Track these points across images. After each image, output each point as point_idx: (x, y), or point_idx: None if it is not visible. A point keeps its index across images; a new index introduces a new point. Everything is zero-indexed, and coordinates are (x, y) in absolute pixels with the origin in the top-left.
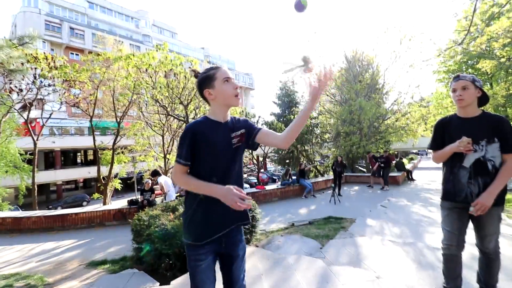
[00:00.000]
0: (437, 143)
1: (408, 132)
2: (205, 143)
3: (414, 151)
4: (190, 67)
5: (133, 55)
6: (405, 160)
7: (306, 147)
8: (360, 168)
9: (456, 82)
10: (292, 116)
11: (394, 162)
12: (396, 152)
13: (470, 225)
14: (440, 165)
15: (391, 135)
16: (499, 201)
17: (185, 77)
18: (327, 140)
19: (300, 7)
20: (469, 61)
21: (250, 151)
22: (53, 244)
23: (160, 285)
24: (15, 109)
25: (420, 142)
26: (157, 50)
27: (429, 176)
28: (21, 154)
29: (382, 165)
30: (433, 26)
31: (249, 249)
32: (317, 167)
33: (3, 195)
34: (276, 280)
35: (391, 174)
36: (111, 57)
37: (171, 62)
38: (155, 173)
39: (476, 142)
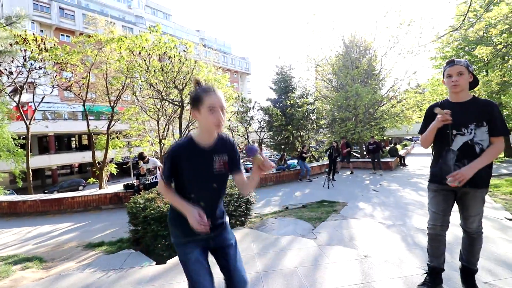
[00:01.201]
0: (427, 128)
1: (402, 118)
2: (185, 166)
3: (408, 137)
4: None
5: (126, 37)
6: (398, 146)
7: (301, 133)
8: (354, 154)
9: (451, 67)
10: (288, 102)
11: (387, 148)
12: (390, 138)
13: (455, 207)
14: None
15: (386, 121)
16: (484, 184)
17: (180, 61)
18: (323, 126)
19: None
20: (466, 48)
21: (246, 138)
22: (50, 227)
23: (156, 264)
24: (5, 92)
25: (415, 129)
26: (150, 32)
27: (421, 162)
28: (14, 139)
29: (371, 149)
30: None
31: (243, 231)
32: (312, 152)
33: None
34: (269, 260)
35: (384, 159)
36: (102, 39)
37: (165, 45)
38: (141, 156)
39: (465, 126)
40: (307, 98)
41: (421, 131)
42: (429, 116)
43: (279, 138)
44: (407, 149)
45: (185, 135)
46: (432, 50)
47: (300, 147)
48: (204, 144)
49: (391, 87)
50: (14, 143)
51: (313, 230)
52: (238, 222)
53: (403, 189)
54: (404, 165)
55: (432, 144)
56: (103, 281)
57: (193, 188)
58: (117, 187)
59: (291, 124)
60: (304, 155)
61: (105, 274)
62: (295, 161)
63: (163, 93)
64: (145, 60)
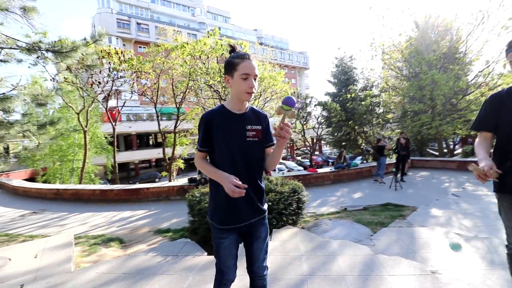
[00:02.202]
0: (487, 122)
1: None
2: (218, 132)
3: None
4: (231, 45)
5: (187, 44)
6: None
7: (365, 128)
8: (431, 151)
9: None
10: (349, 95)
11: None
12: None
13: None
14: None
15: (473, 113)
16: None
17: None
18: (391, 121)
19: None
20: None
21: (302, 135)
22: (129, 213)
23: (207, 254)
24: (97, 100)
25: None
26: (208, 37)
27: None
28: (105, 138)
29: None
30: None
31: (292, 230)
32: None
33: (95, 171)
34: (316, 263)
35: (470, 158)
36: (168, 47)
37: (222, 47)
38: None
39: None
40: (371, 90)
41: (477, 126)
42: (493, 105)
43: (339, 134)
44: None
45: None
46: None
47: (373, 142)
48: (235, 111)
49: (480, 72)
50: (106, 141)
51: (371, 236)
52: (289, 221)
53: (493, 195)
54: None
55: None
56: (162, 264)
57: (225, 158)
58: (184, 181)
59: (353, 119)
60: (383, 148)
61: (164, 259)
62: (359, 159)
63: (221, 93)
64: (204, 63)
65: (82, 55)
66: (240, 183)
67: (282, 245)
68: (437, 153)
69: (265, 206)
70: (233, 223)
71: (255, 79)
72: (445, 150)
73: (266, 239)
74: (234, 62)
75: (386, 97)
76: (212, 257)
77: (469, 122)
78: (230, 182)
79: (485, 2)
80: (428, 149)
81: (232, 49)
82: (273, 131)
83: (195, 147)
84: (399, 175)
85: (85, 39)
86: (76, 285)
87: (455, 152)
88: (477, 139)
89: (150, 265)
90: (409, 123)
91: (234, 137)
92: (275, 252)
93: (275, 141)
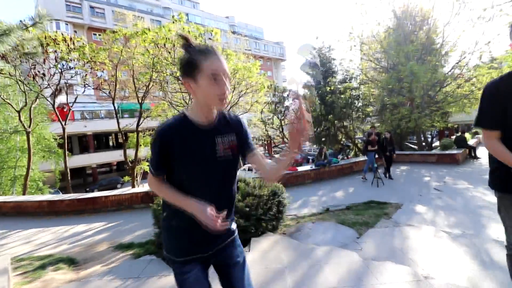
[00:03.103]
0: (493, 116)
1: (472, 101)
2: (179, 153)
3: None
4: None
5: (149, 30)
6: (467, 135)
7: (345, 123)
8: (410, 145)
9: None
10: (328, 88)
11: (452, 137)
12: (456, 126)
13: None
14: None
15: (450, 105)
16: None
17: None
18: (370, 114)
19: None
20: None
21: (281, 131)
22: (84, 227)
23: None
24: (42, 95)
25: None
26: (173, 22)
27: None
28: (55, 139)
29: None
30: None
31: (273, 238)
32: (358, 145)
33: (43, 178)
34: (301, 275)
35: (450, 151)
36: (127, 34)
37: (190, 34)
38: None
39: None
40: (350, 82)
41: (483, 122)
42: (497, 97)
43: (318, 130)
44: (478, 138)
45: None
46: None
47: (363, 137)
48: (202, 123)
49: (456, 63)
50: (55, 143)
51: (357, 238)
52: (269, 227)
53: (474, 188)
54: (475, 157)
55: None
56: None
57: (191, 184)
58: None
59: (332, 113)
60: (370, 147)
61: (123, 283)
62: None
63: None
64: (170, 53)
65: (18, 41)
66: (219, 215)
67: (263, 257)
68: (415, 147)
69: (234, 226)
70: (196, 252)
71: (227, 80)
72: (423, 143)
73: (245, 265)
74: (195, 60)
75: (365, 90)
76: None
77: (446, 114)
78: (207, 214)
79: None
80: (406, 143)
81: (186, 42)
82: (253, 132)
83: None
84: (380, 171)
85: (22, 21)
86: None
87: (433, 145)
88: (490, 141)
89: None
90: (388, 116)
91: (202, 157)
92: (255, 265)
93: (255, 148)
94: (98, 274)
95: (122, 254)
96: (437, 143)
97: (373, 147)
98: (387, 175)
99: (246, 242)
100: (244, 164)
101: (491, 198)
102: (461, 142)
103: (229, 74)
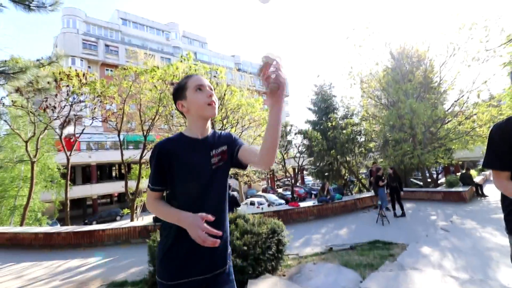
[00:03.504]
0: (502, 157)
1: (474, 138)
2: (177, 164)
3: None
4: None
5: (158, 68)
6: (473, 172)
7: (347, 158)
8: (415, 181)
9: None
10: (330, 123)
11: (458, 174)
12: (460, 162)
13: None
14: None
15: (453, 142)
16: None
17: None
18: (373, 150)
19: None
20: None
21: (283, 165)
22: (79, 262)
23: None
24: (51, 126)
25: None
26: (181, 61)
27: None
28: (59, 169)
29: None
30: (500, 9)
31: (271, 280)
32: (362, 180)
33: (42, 209)
34: None
35: (456, 189)
36: (137, 71)
37: (196, 72)
38: None
39: None
40: (351, 118)
41: (494, 163)
42: (504, 138)
43: (321, 164)
44: (484, 175)
45: None
46: (505, 54)
47: (376, 164)
48: (197, 135)
49: (455, 101)
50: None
51: (360, 282)
52: (268, 267)
53: (482, 228)
54: (483, 195)
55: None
56: None
57: (188, 191)
58: (149, 219)
59: (334, 148)
60: (381, 182)
61: None
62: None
63: None
64: None
65: (33, 77)
66: (211, 228)
67: None
68: (421, 183)
69: (229, 250)
70: (188, 276)
71: (211, 91)
72: (429, 180)
73: None
74: (181, 83)
75: (367, 126)
76: None
77: (449, 151)
78: (199, 226)
79: (455, 35)
80: (412, 179)
81: (172, 84)
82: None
83: (147, 185)
84: (385, 209)
85: (38, 60)
86: None
87: (439, 182)
88: (501, 181)
89: None
90: (391, 152)
91: (198, 167)
92: None
93: (242, 142)
94: None
95: None
96: (443, 179)
97: (383, 182)
98: (394, 213)
99: (242, 285)
100: (244, 167)
101: (500, 239)
102: (467, 179)
103: (212, 87)
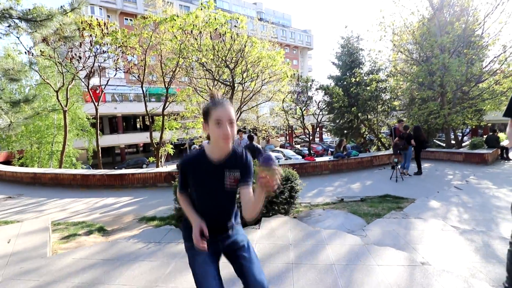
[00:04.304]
0: None
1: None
2: (193, 181)
3: None
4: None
5: (177, 16)
6: (501, 135)
7: (369, 116)
8: (438, 142)
9: None
10: (353, 79)
11: (485, 136)
12: (490, 125)
13: None
14: None
15: (485, 102)
16: None
17: (231, 38)
18: (397, 108)
19: None
20: None
21: (301, 121)
22: (113, 200)
23: None
24: (78, 77)
25: None
26: (201, 9)
27: None
28: (88, 119)
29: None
30: None
31: (282, 219)
32: (382, 139)
33: (76, 155)
34: (303, 252)
35: (478, 151)
36: (156, 20)
37: (216, 21)
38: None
39: None
40: (377, 74)
41: (508, 112)
42: None
43: (340, 121)
44: None
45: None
46: None
47: (388, 131)
48: (215, 158)
49: (496, 57)
50: (88, 123)
51: (364, 227)
52: (281, 210)
53: (497, 189)
54: (507, 159)
55: None
56: (143, 251)
57: (200, 203)
58: (173, 167)
59: (356, 105)
60: (412, 141)
61: (145, 245)
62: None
63: (215, 73)
64: (196, 39)
65: (59, 24)
66: (203, 241)
67: (271, 233)
68: (443, 144)
69: (239, 226)
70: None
71: (231, 125)
72: (453, 142)
73: (250, 247)
74: (208, 109)
75: (393, 83)
76: None
77: (480, 111)
78: (195, 234)
79: None
80: (435, 140)
81: (211, 96)
82: (275, 121)
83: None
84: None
85: (62, 7)
86: (52, 271)
87: (463, 144)
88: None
89: (131, 251)
90: (416, 111)
91: (209, 185)
92: (263, 240)
93: (249, 181)
94: (124, 238)
95: (145, 225)
96: (467, 142)
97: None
98: (419, 171)
99: (257, 222)
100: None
101: None
102: (493, 142)
103: (234, 119)
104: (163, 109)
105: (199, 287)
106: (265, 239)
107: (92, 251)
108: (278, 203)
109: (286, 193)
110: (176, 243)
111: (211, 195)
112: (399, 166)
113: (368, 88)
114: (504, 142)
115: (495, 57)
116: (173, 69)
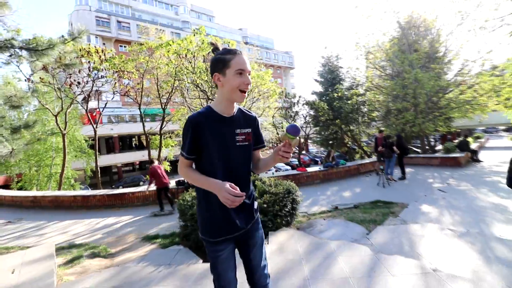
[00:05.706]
0: None
1: (475, 106)
2: (207, 137)
3: (481, 128)
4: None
5: (173, 42)
6: (469, 139)
7: (351, 127)
8: (414, 148)
9: None
10: (335, 94)
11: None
12: (458, 130)
13: None
14: None
15: (453, 110)
16: None
17: None
18: (376, 119)
19: None
20: None
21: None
22: (114, 219)
23: (203, 262)
24: (76, 101)
25: (490, 118)
26: (194, 35)
27: (499, 157)
28: (86, 141)
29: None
30: None
31: (289, 232)
32: (364, 148)
33: (75, 176)
34: (317, 265)
35: (453, 154)
36: (152, 46)
37: (208, 46)
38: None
39: None
40: (357, 89)
41: None
42: None
43: (326, 133)
44: (480, 142)
45: None
46: None
47: (370, 140)
48: (224, 114)
49: (459, 71)
50: (86, 144)
51: (367, 234)
52: (284, 222)
53: (477, 190)
54: (478, 161)
55: None
56: (155, 276)
57: (216, 163)
58: (171, 183)
59: (339, 118)
60: (395, 148)
61: (156, 269)
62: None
63: (208, 93)
64: (190, 62)
65: (60, 53)
66: (237, 190)
67: (280, 249)
68: (419, 150)
69: (256, 205)
70: (229, 233)
71: (249, 75)
72: (427, 147)
73: (263, 245)
74: (225, 58)
75: (370, 96)
76: (208, 265)
77: (449, 119)
78: (226, 191)
79: (464, 2)
80: (410, 146)
81: (215, 47)
82: (264, 135)
83: (180, 153)
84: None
85: (63, 36)
86: None
87: (436, 149)
88: None
89: (142, 276)
90: (393, 121)
91: (225, 142)
92: (273, 256)
93: (265, 144)
94: (132, 261)
95: (149, 244)
96: (440, 147)
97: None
98: (403, 175)
99: (264, 236)
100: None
101: (494, 199)
102: (464, 146)
103: (250, 71)
104: (161, 128)
105: (218, 278)
106: (276, 255)
107: (101, 279)
108: (282, 216)
109: (289, 205)
110: (187, 264)
111: (228, 151)
112: (386, 172)
113: (349, 102)
114: (473, 146)
115: (458, 71)
116: (170, 91)
